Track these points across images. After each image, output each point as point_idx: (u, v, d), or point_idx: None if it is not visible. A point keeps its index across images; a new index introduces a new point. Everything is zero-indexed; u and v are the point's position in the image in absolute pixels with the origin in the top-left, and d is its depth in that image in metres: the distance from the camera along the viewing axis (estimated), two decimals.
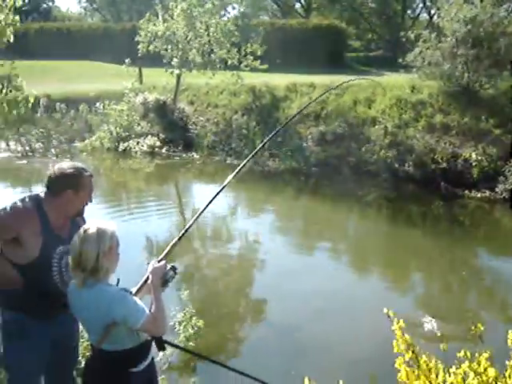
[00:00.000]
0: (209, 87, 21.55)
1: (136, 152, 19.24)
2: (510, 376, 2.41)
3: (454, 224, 13.16)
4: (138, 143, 19.49)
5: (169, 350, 6.31)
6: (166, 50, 20.41)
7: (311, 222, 13.78)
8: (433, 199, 14.46)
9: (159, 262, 3.37)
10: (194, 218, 3.83)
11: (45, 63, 30.72)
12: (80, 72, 29.08)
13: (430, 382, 2.38)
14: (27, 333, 3.60)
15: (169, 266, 3.40)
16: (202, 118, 20.62)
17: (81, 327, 3.76)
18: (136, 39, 20.83)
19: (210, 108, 21.20)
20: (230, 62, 20.24)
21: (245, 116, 19.71)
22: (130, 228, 12.22)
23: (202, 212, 3.89)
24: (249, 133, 18.86)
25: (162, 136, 19.87)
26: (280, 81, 21.23)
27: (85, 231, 3.11)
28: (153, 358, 3.39)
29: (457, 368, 2.50)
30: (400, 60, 17.90)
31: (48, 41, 36.24)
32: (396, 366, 2.56)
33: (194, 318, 6.71)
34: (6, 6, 4.99)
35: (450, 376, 2.38)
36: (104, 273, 3.13)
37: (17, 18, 5.37)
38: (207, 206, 3.89)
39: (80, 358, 4.34)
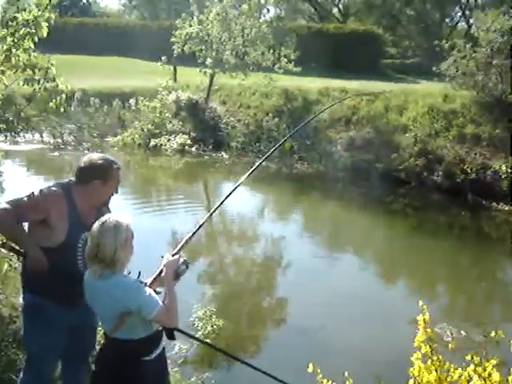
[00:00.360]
0: (241, 88, 21.70)
1: (166, 149, 19.44)
2: None
3: (480, 236, 13.05)
4: (168, 140, 19.69)
5: (185, 344, 6.45)
6: (201, 50, 20.60)
7: (337, 226, 13.82)
8: (460, 210, 14.33)
9: (173, 255, 3.47)
10: (208, 215, 3.95)
11: (82, 58, 31.20)
12: (116, 68, 29.48)
13: (439, 378, 2.43)
14: (47, 317, 3.72)
15: (182, 260, 3.49)
16: (233, 119, 20.76)
17: None
18: (171, 39, 21.01)
19: (241, 109, 21.35)
20: (263, 64, 20.31)
21: (276, 118, 19.79)
22: (156, 223, 12.44)
23: (215, 209, 4.02)
24: (279, 135, 18.91)
25: (192, 134, 20.05)
26: (313, 84, 21.29)
27: (102, 223, 3.20)
28: (164, 348, 3.46)
29: (463, 370, 2.55)
30: (434, 68, 17.72)
31: (86, 36, 36.72)
32: (412, 359, 2.61)
33: (214, 317, 6.83)
34: (41, 3, 5.16)
35: (457, 376, 2.42)
36: (120, 264, 3.22)
37: (52, 15, 5.55)
38: (221, 203, 4.02)
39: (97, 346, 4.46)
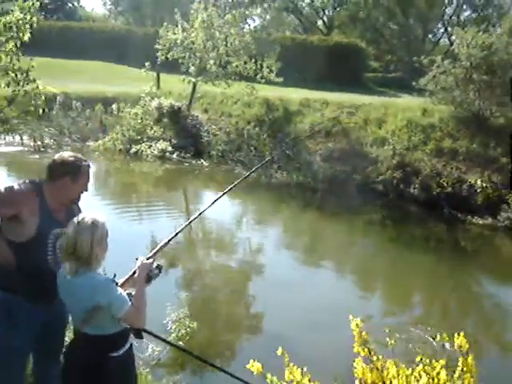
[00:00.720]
0: (224, 96, 21.86)
1: (147, 155, 19.46)
2: (458, 377, 2.57)
3: (456, 249, 13.25)
4: (149, 147, 19.73)
5: (158, 347, 6.53)
6: (184, 57, 20.70)
7: (314, 236, 13.95)
8: (436, 222, 14.57)
9: (148, 259, 3.58)
10: (186, 224, 4.09)
11: (65, 62, 31.17)
12: (100, 73, 29.51)
13: (382, 377, 2.55)
14: (15, 314, 3.76)
15: (155, 264, 3.60)
16: (214, 127, 20.87)
17: None
18: (155, 46, 21.10)
19: (223, 117, 21.46)
20: (246, 74, 20.46)
21: (257, 127, 19.94)
22: (134, 227, 12.52)
23: (193, 219, 4.19)
24: (259, 144, 19.08)
25: (173, 141, 20.08)
26: (295, 95, 21.48)
27: (79, 221, 3.30)
28: (131, 345, 3.55)
29: (412, 370, 2.66)
30: (414, 83, 18.03)
31: (71, 40, 36.65)
32: (354, 364, 2.72)
33: (187, 319, 6.92)
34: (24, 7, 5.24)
35: (399, 375, 2.54)
36: (96, 261, 3.33)
37: (34, 19, 5.63)
38: (199, 214, 4.18)
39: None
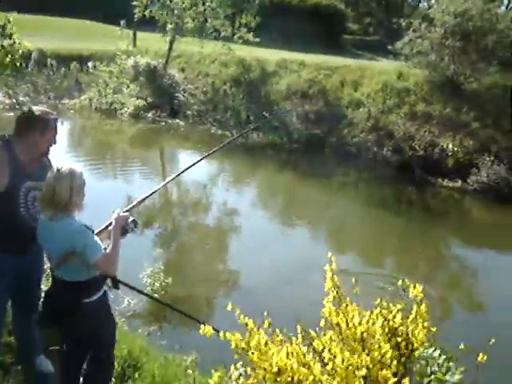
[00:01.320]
0: (201, 56, 21.73)
1: (122, 114, 19.39)
2: (411, 322, 2.78)
3: (425, 210, 13.61)
4: (122, 104, 19.61)
5: (134, 299, 6.73)
6: (162, 15, 20.47)
7: (289, 196, 14.19)
8: (407, 184, 14.85)
9: (124, 212, 3.72)
10: (164, 183, 4.26)
11: (40, 18, 30.51)
12: (75, 30, 28.97)
13: (346, 319, 2.75)
14: None
15: (131, 219, 3.74)
16: (191, 86, 20.80)
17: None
18: (133, 3, 20.83)
19: (200, 76, 21.37)
20: (222, 33, 20.35)
21: (233, 88, 19.94)
22: (110, 186, 12.61)
23: (172, 179, 4.39)
24: (235, 104, 19.11)
25: (149, 100, 20.01)
26: (272, 56, 21.41)
27: (58, 170, 3.41)
28: (105, 292, 3.70)
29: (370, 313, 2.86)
30: (389, 47, 18.11)
31: None
32: (324, 302, 2.90)
33: (162, 274, 7.12)
34: None
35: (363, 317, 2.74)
36: (73, 208, 3.46)
37: None
38: (178, 175, 4.34)
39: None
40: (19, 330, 4.44)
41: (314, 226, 11.99)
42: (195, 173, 13.81)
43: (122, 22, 20.87)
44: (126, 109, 19.41)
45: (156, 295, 6.63)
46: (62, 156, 13.90)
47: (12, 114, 18.08)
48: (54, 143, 4.03)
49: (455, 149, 14.90)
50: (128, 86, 20.39)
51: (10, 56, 5.51)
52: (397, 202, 14.12)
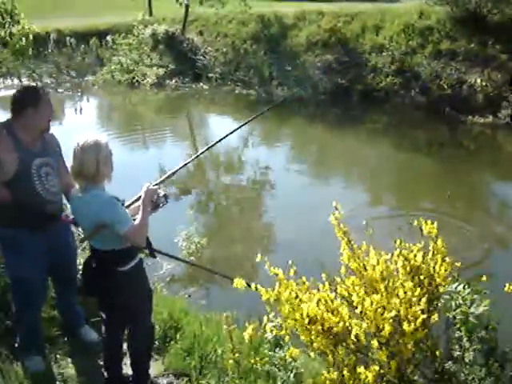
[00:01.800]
0: (217, 17, 21.55)
1: (144, 84, 19.43)
2: (430, 258, 2.81)
3: (457, 148, 13.41)
4: (145, 75, 19.65)
5: (172, 264, 6.87)
6: None
7: (320, 149, 14.13)
8: (437, 125, 14.63)
9: (154, 185, 3.76)
10: (194, 156, 4.33)
11: None
12: (90, 5, 29.03)
13: (363, 264, 2.80)
14: (21, 244, 3.99)
15: (162, 193, 3.80)
16: (210, 48, 20.69)
17: None
18: None
19: (219, 38, 21.23)
20: None
21: (253, 45, 19.77)
22: (142, 157, 12.74)
23: (203, 152, 4.50)
24: (257, 62, 18.97)
25: (171, 67, 20.00)
26: (289, 8, 21.10)
27: (83, 143, 3.48)
28: (141, 259, 3.80)
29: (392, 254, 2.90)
30: None
31: None
32: (341, 250, 2.96)
33: (197, 236, 7.24)
34: None
35: (379, 260, 2.78)
36: (102, 178, 3.54)
37: None
38: (209, 147, 4.43)
39: None
40: (61, 304, 4.63)
41: (347, 176, 11.92)
42: (223, 132, 13.89)
43: None
44: (148, 79, 19.43)
45: (192, 258, 6.77)
46: (92, 130, 14.15)
47: None
48: (52, 117, 4.10)
49: (483, 84, 14.59)
50: (148, 56, 20.39)
51: (21, 43, 5.58)
52: (428, 143, 13.96)
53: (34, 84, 4.21)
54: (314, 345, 2.70)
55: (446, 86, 15.13)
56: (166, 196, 3.83)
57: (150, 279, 6.34)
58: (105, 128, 15.77)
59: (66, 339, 4.57)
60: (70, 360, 4.37)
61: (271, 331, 3.03)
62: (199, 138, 14.97)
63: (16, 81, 19.61)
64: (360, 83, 16.79)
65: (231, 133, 4.40)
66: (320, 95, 17.17)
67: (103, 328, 3.94)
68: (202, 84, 19.43)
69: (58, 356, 4.38)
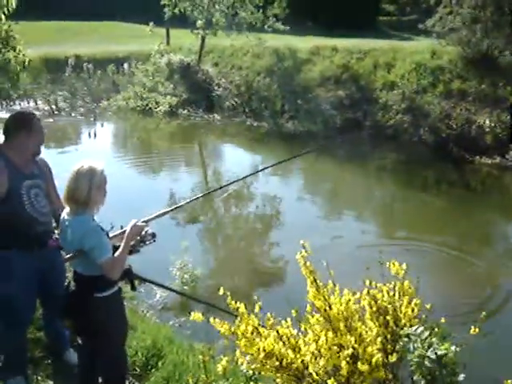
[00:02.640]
0: (233, 49, 21.83)
1: (158, 112, 19.65)
2: (398, 298, 2.85)
3: (465, 188, 13.42)
4: (157, 103, 19.88)
5: (165, 292, 6.92)
6: (192, 11, 20.68)
7: (329, 183, 14.29)
8: (446, 164, 14.65)
9: (143, 222, 3.84)
10: (194, 197, 4.41)
11: (75, 24, 31.15)
12: (110, 33, 29.55)
13: (326, 301, 2.84)
14: (11, 264, 4.08)
15: (150, 231, 3.89)
16: (224, 80, 20.94)
17: None
18: (162, 2, 21.07)
19: (233, 70, 21.47)
20: (253, 24, 20.37)
21: (267, 78, 19.99)
22: (152, 183, 12.86)
23: (200, 197, 4.45)
24: (270, 95, 19.17)
25: (184, 97, 20.22)
26: (304, 44, 21.36)
27: (78, 169, 3.59)
28: (120, 288, 3.86)
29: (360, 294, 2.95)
30: (420, 26, 17.87)
31: (79, 1, 36.28)
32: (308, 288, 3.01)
33: (190, 266, 7.29)
34: None
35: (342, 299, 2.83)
36: (93, 204, 3.63)
37: None
38: (218, 189, 4.48)
39: None
40: (47, 326, 4.70)
41: (357, 211, 11.88)
42: (234, 164, 14.09)
43: (151, 24, 21.18)
44: (161, 107, 19.68)
45: (186, 287, 6.82)
46: (104, 156, 14.36)
47: (51, 120, 18.60)
48: (43, 142, 4.27)
49: (492, 124, 14.64)
50: (163, 84, 20.67)
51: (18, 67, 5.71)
52: (436, 182, 14.03)
53: (27, 109, 4.43)
54: (278, 380, 2.74)
55: (455, 126, 15.20)
56: (153, 234, 3.91)
57: (142, 306, 6.45)
58: (116, 153, 15.98)
59: (49, 361, 4.63)
60: (51, 382, 4.43)
61: (243, 364, 3.07)
62: (209, 168, 15.11)
63: (32, 103, 20.16)
64: (370, 119, 16.91)
65: (247, 175, 4.51)
66: (330, 130, 17.27)
67: (78, 352, 3.99)
68: (214, 114, 19.64)
69: (39, 378, 4.43)
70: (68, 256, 3.67)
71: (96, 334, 3.75)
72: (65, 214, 3.72)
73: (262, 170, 4.06)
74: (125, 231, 3.76)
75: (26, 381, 4.32)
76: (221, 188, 4.48)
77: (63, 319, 4.14)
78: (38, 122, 4.23)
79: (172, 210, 4.14)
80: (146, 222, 3.88)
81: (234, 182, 4.41)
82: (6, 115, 15.94)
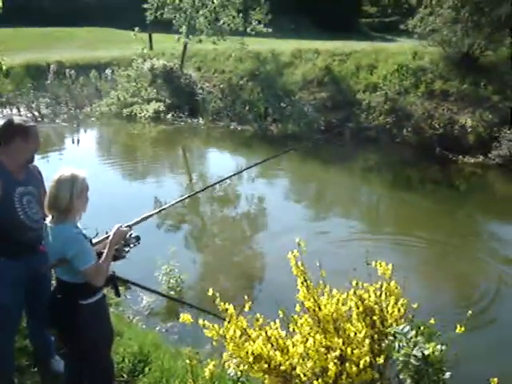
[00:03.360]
0: (216, 53, 21.84)
1: (141, 117, 19.59)
2: (384, 299, 2.86)
3: (449, 188, 13.54)
4: (141, 108, 19.82)
5: (152, 298, 6.90)
6: (175, 17, 20.65)
7: (314, 185, 14.33)
8: (429, 164, 14.76)
9: (127, 226, 3.85)
10: (175, 201, 4.41)
11: (57, 30, 31.01)
12: (91, 39, 29.43)
13: (316, 301, 2.84)
14: (2, 274, 4.07)
15: (134, 234, 3.89)
16: (208, 84, 20.94)
17: None
18: (144, 6, 21.01)
19: (216, 74, 21.49)
20: (234, 28, 20.37)
21: (250, 82, 20.02)
22: (137, 188, 12.80)
23: (188, 197, 4.64)
24: (253, 98, 19.18)
25: (168, 102, 20.15)
26: (286, 46, 21.42)
27: (59, 176, 3.56)
28: (104, 295, 3.84)
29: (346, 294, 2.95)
30: (401, 26, 18.00)
31: (59, 7, 36.15)
32: (298, 287, 3.01)
33: (176, 271, 7.27)
34: None
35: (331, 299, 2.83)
36: (74, 212, 3.60)
37: None
38: (195, 193, 4.52)
39: None
40: (33, 334, 4.66)
41: (341, 212, 11.94)
42: (219, 167, 14.07)
43: (136, 29, 21.10)
44: (144, 112, 19.61)
45: (172, 292, 6.80)
46: (89, 161, 14.29)
47: None
48: (37, 150, 4.25)
49: (475, 124, 14.76)
50: (146, 90, 20.61)
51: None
52: (421, 183, 14.12)
53: (22, 117, 4.35)
54: (266, 382, 2.73)
55: (437, 126, 15.31)
56: (138, 237, 3.90)
57: (128, 312, 6.41)
58: (101, 159, 15.90)
59: (35, 369, 4.59)
60: None
61: (232, 368, 3.06)
62: (194, 172, 15.07)
63: (15, 111, 20.02)
64: (353, 121, 16.97)
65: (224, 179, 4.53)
66: (313, 132, 17.31)
67: (64, 360, 3.96)
68: (198, 119, 19.60)
69: None
70: (51, 264, 3.63)
71: (81, 341, 3.72)
72: (47, 221, 3.69)
73: (240, 173, 4.12)
74: (107, 237, 3.75)
75: None
76: (204, 190, 4.50)
77: (49, 327, 4.10)
78: (34, 129, 4.19)
79: (156, 213, 4.11)
80: (130, 226, 3.88)
81: (216, 183, 4.42)
82: None
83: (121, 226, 3.79)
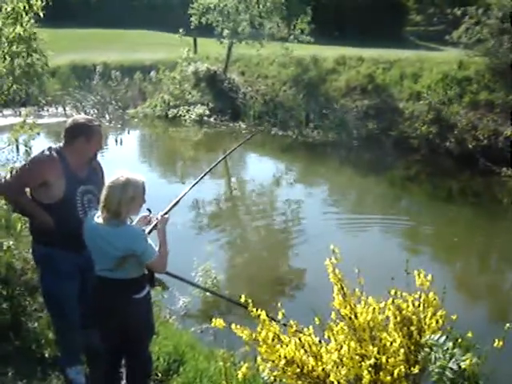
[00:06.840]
0: (259, 58, 21.87)
1: (185, 120, 19.81)
2: (421, 310, 2.85)
3: (492, 201, 13.33)
4: (187, 111, 20.06)
5: (188, 298, 6.97)
6: (218, 21, 20.81)
7: (353, 193, 14.28)
8: (472, 176, 14.53)
9: (164, 215, 4.06)
10: (190, 187, 4.58)
11: (103, 31, 31.53)
12: (137, 41, 29.80)
13: (352, 309, 2.84)
14: (58, 263, 4.22)
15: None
16: (250, 89, 21.00)
17: None
18: (189, 11, 21.22)
19: (259, 79, 21.53)
20: (278, 35, 20.45)
21: (293, 88, 20.03)
22: (177, 192, 12.91)
23: (196, 182, 5.07)
24: (295, 104, 19.19)
25: (211, 105, 20.34)
26: (330, 53, 21.33)
27: (114, 179, 3.64)
28: (149, 291, 3.93)
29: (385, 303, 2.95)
30: (447, 37, 17.78)
31: (107, 9, 36.70)
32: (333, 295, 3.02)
33: (213, 271, 7.33)
34: None
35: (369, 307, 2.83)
36: (124, 217, 3.68)
37: None
38: (208, 171, 4.67)
39: None
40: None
41: (382, 223, 11.75)
42: (257, 172, 14.13)
43: (181, 30, 21.34)
44: (188, 115, 19.80)
45: (207, 293, 6.86)
46: (129, 162, 14.50)
47: None
48: (101, 148, 4.41)
49: None
50: (190, 93, 20.82)
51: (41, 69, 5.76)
52: (462, 194, 13.92)
53: (87, 117, 4.48)
54: None
55: (481, 137, 15.06)
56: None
57: (164, 311, 6.49)
58: (143, 160, 16.15)
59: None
60: None
61: (264, 371, 3.08)
62: (234, 177, 15.13)
63: (60, 109, 20.45)
64: (395, 130, 16.82)
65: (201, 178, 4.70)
66: (354, 140, 17.26)
67: (104, 360, 4.04)
68: (240, 123, 19.71)
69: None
70: (117, 262, 3.65)
71: (130, 331, 3.82)
72: (92, 219, 3.75)
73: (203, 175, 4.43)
74: (145, 216, 4.04)
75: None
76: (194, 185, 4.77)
77: (85, 329, 4.24)
78: (97, 128, 4.29)
79: (184, 196, 4.61)
80: (167, 213, 4.13)
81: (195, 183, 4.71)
82: (38, 121, 16.25)
83: (162, 215, 4.06)
